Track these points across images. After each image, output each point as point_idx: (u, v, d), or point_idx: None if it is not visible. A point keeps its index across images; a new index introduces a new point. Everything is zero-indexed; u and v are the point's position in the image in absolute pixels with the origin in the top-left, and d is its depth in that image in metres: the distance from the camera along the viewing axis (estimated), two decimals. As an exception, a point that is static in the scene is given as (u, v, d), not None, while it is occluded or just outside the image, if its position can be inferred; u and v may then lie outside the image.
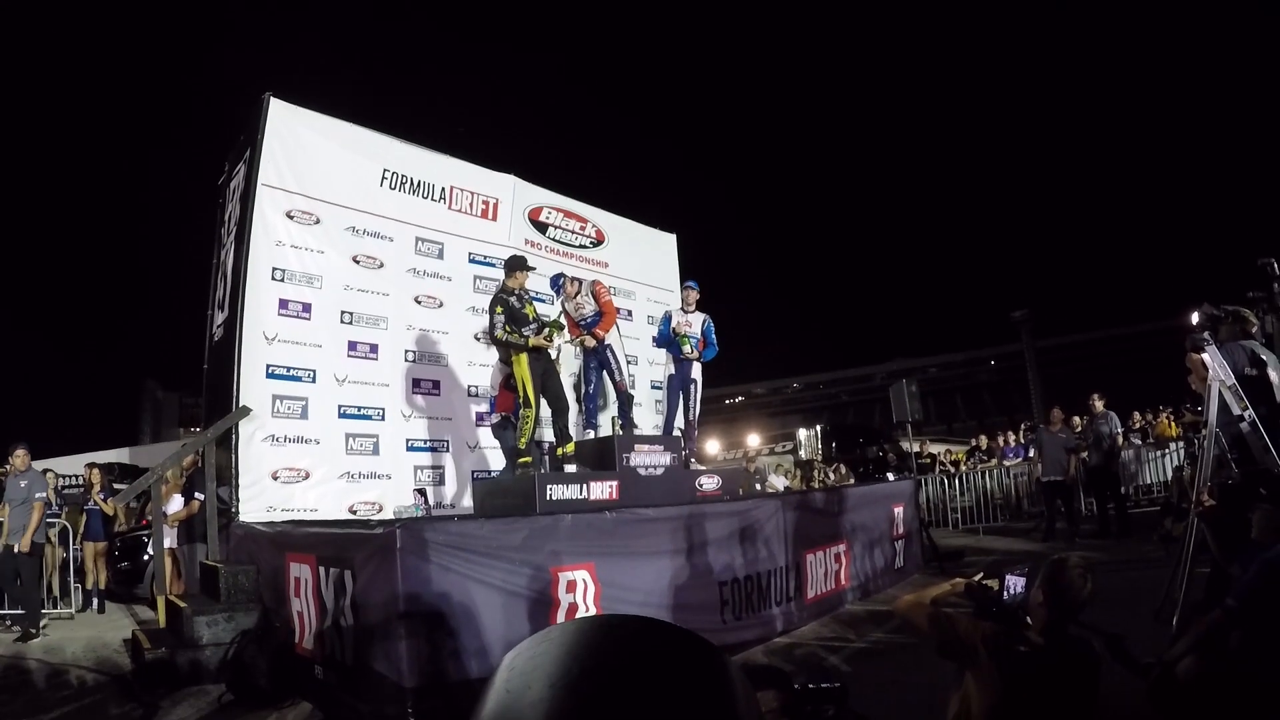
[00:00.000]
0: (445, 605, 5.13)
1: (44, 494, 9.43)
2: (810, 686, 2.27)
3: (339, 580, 5.78)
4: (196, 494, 9.03)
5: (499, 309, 7.81)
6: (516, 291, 8.09)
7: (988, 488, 15.90)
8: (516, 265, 8.20)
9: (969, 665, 3.57)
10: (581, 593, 5.89)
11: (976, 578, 3.87)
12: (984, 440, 20.41)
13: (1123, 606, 5.67)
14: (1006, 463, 17.05)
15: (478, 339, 10.44)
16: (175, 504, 9.37)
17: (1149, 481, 15.82)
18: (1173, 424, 16.77)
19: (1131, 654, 3.82)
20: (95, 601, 10.79)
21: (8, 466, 9.56)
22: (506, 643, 5.35)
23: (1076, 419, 14.17)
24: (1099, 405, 13.07)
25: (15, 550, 9.06)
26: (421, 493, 8.93)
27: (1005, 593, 3.69)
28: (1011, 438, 19.02)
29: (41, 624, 9.31)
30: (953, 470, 17.55)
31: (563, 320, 8.57)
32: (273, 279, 8.74)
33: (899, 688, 5.62)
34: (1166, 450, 15.58)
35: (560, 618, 5.70)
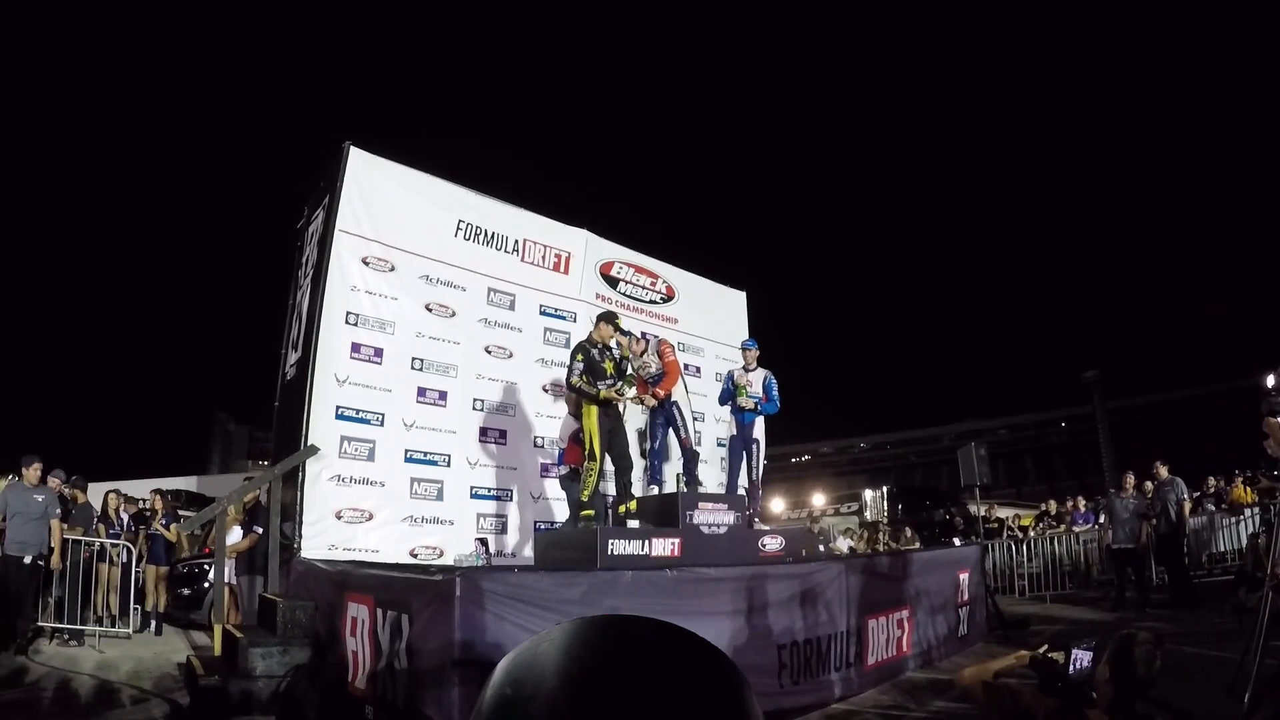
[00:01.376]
0: (500, 655, 5.09)
1: (59, 512, 9.57)
2: None
3: (395, 623, 5.81)
4: (256, 527, 9.20)
5: (579, 356, 7.92)
6: (599, 344, 8.17)
7: (1056, 554, 15.38)
8: (605, 318, 8.33)
9: None
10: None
11: (1041, 650, 3.76)
12: (1053, 505, 19.79)
13: (1194, 681, 5.45)
14: (1076, 529, 16.56)
15: (546, 390, 10.55)
16: (235, 535, 9.53)
17: (1223, 549, 15.23)
18: (1248, 490, 16.12)
19: None
20: (153, 624, 10.98)
21: (14, 478, 9.67)
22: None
23: (1149, 483, 13.70)
24: (1164, 472, 12.72)
25: (26, 561, 9.15)
26: (483, 542, 8.99)
27: (1071, 667, 3.59)
28: (1082, 503, 18.47)
29: (97, 640, 9.51)
30: (1020, 536, 17.09)
31: (634, 378, 8.60)
32: (346, 323, 8.93)
33: None
34: (1241, 517, 14.98)
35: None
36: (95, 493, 11.81)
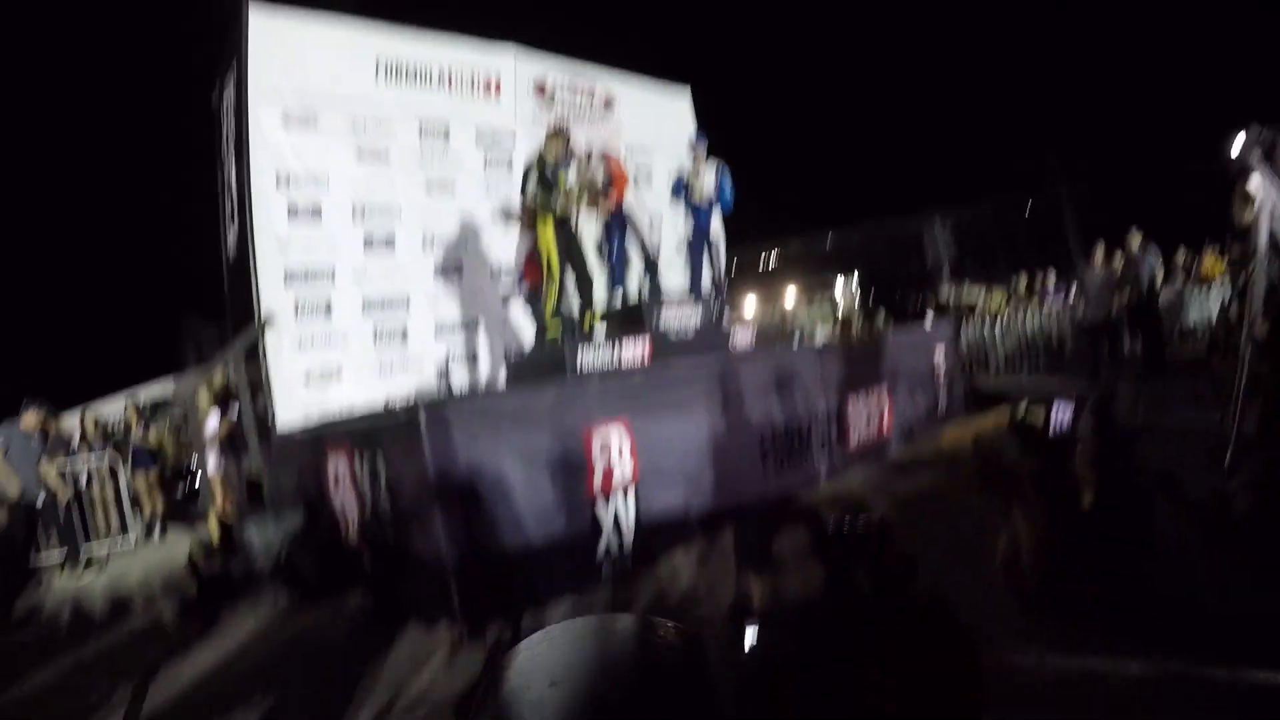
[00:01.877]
0: (478, 480, 5.06)
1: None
2: (848, 522, 2.18)
3: (373, 469, 5.76)
4: (231, 411, 9.08)
5: (531, 174, 7.77)
6: (550, 161, 7.97)
7: (1029, 331, 15.59)
8: (556, 135, 8.09)
9: (1017, 503, 3.43)
10: (616, 452, 5.80)
11: (1022, 405, 3.70)
12: (1023, 282, 19.84)
13: (1171, 446, 5.46)
14: (1047, 305, 16.64)
15: (495, 219, 10.24)
16: (213, 423, 9.43)
17: (1193, 324, 15.34)
18: (1219, 260, 16.08)
19: (1184, 490, 3.64)
20: (156, 530, 11.04)
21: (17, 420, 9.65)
22: (543, 511, 5.37)
23: (1119, 255, 13.61)
24: (1137, 240, 12.50)
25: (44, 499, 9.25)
26: (444, 375, 8.87)
27: (1052, 423, 3.53)
28: (1052, 278, 18.48)
29: (106, 558, 9.56)
30: (992, 315, 17.23)
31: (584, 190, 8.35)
32: (277, 187, 8.59)
33: (945, 530, 5.51)
34: (1210, 288, 15.08)
35: (597, 480, 5.66)
36: (71, 418, 11.74)
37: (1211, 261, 16.47)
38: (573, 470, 5.54)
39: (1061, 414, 3.52)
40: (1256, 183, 5.52)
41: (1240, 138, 5.69)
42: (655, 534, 5.99)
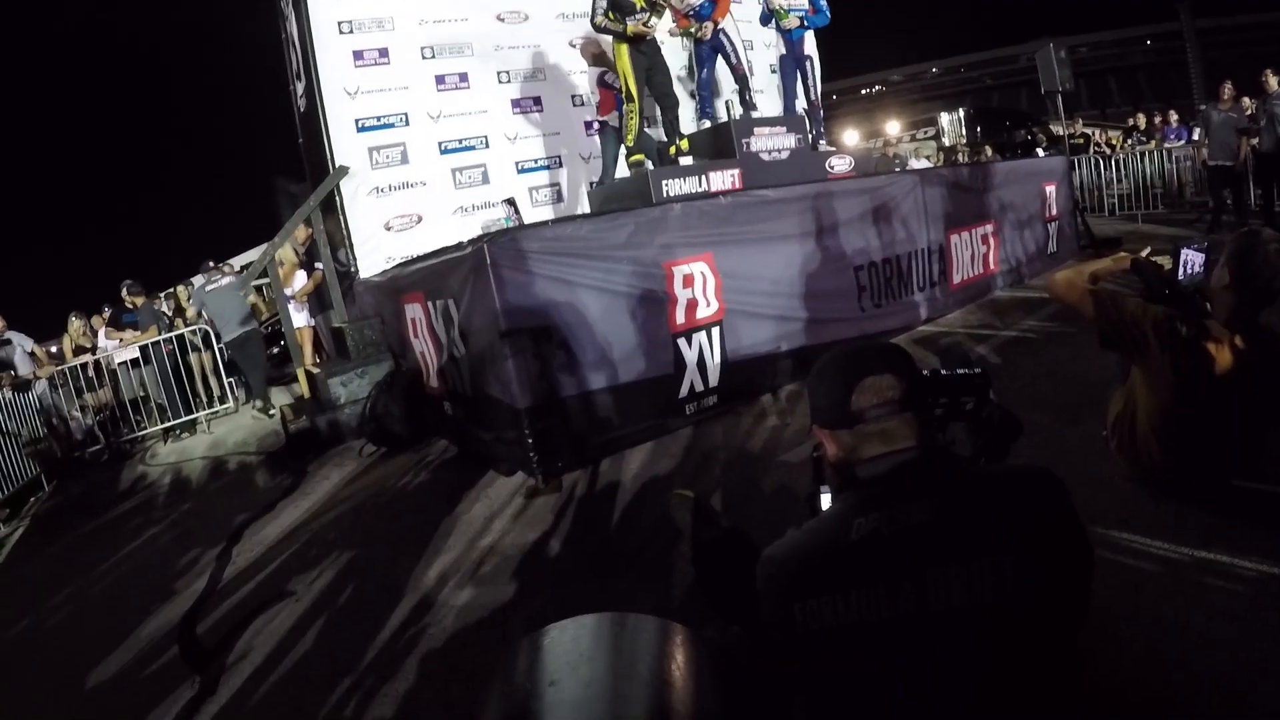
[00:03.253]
0: (550, 318, 4.78)
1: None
2: (945, 374, 1.86)
3: (446, 311, 5.57)
4: (317, 265, 9.01)
5: None
6: None
7: (1147, 173, 14.39)
8: None
9: (1136, 357, 2.96)
10: (701, 287, 5.42)
11: (1145, 252, 3.21)
12: (1142, 120, 18.33)
13: None
14: (1168, 145, 15.32)
15: (572, 45, 9.64)
16: (300, 279, 9.39)
17: None
18: None
19: None
20: (252, 390, 11.18)
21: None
22: (619, 350, 5.10)
23: (1247, 99, 12.03)
24: (1274, 82, 10.75)
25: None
26: (510, 202, 8.56)
27: (1181, 270, 3.05)
28: (1174, 117, 17.00)
29: (207, 425, 9.80)
30: (1109, 153, 16.04)
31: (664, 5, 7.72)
32: (340, 32, 8.24)
33: (1052, 380, 5.07)
34: None
35: (679, 316, 5.33)
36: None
37: None
38: (654, 305, 5.21)
39: (1192, 261, 3.03)
40: None
41: None
42: (741, 375, 5.67)
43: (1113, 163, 14.81)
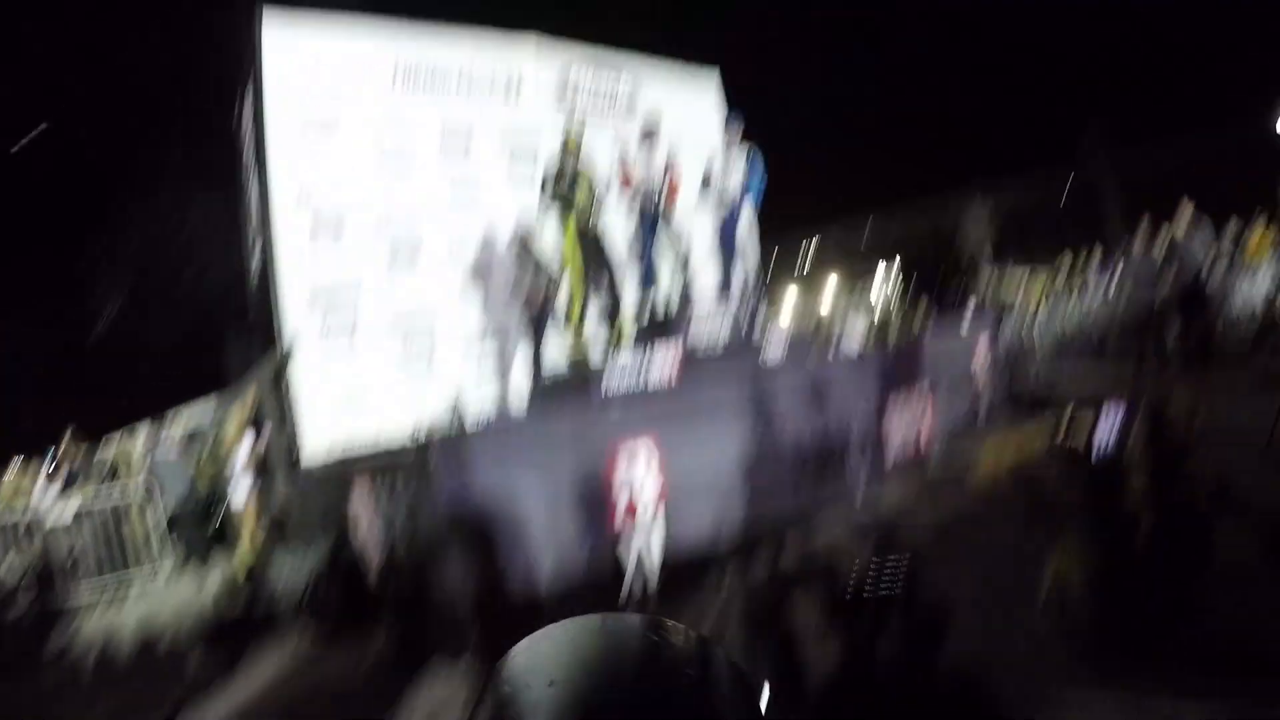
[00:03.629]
0: (495, 516, 4.90)
1: None
2: (875, 571, 1.97)
3: (391, 505, 5.61)
4: (261, 435, 8.95)
5: (548, 182, 7.76)
6: (572, 162, 7.88)
7: (1072, 324, 15.02)
8: (570, 142, 8.01)
9: (1061, 534, 3.12)
10: (641, 472, 5.55)
11: (1065, 415, 3.40)
12: (1065, 266, 19.26)
13: (1225, 445, 5.07)
14: (1089, 293, 16.01)
15: (521, 224, 9.91)
16: (243, 451, 9.31)
17: (1241, 304, 14.23)
18: (1267, 233, 14.87)
19: (1242, 502, 3.24)
20: (190, 558, 10.93)
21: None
22: (563, 543, 5.18)
23: (1165, 236, 12.77)
24: (1187, 214, 11.61)
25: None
26: (462, 396, 8.64)
27: (1096, 450, 3.22)
28: (1095, 261, 17.78)
29: (137, 586, 9.58)
30: (1036, 301, 16.69)
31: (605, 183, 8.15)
32: (299, 201, 8.47)
33: (984, 557, 5.16)
34: (1258, 273, 13.94)
35: (621, 504, 5.44)
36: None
37: (1259, 238, 15.42)
38: (595, 501, 5.33)
39: (1108, 427, 3.20)
40: None
41: None
42: (681, 568, 5.73)
43: (1039, 311, 15.35)
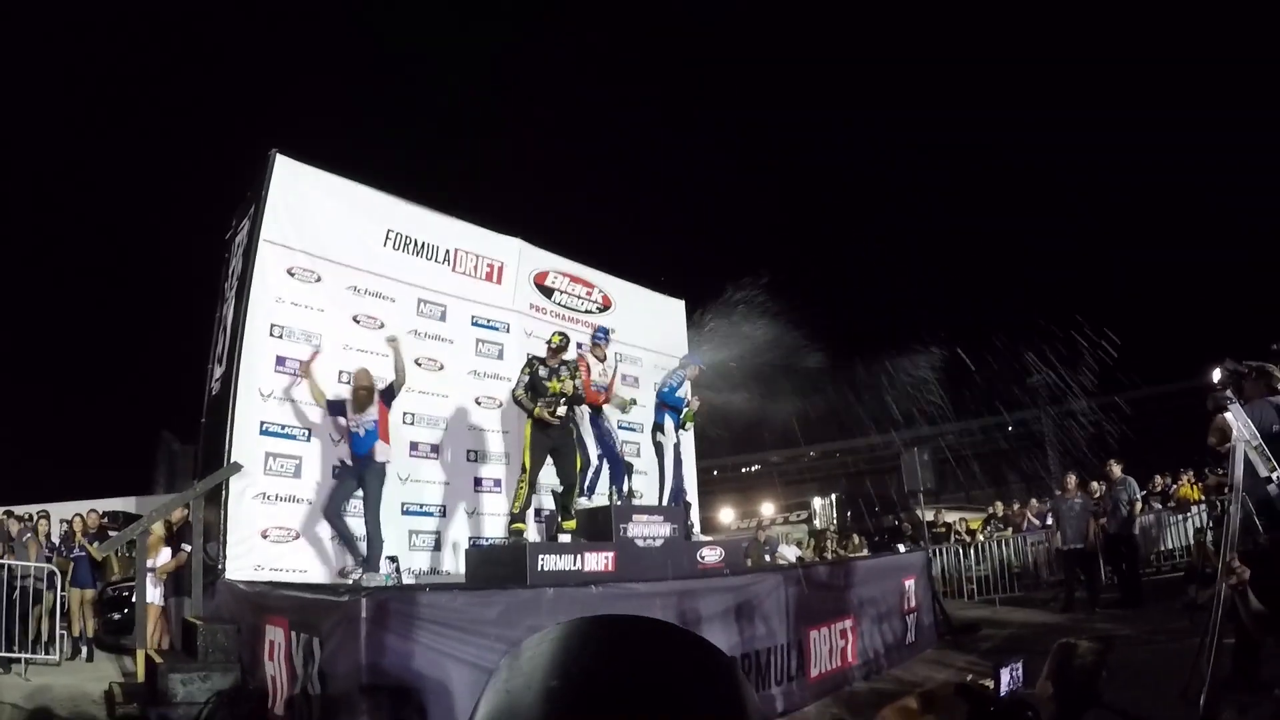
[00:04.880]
0: (413, 680, 4.87)
1: None
2: None
3: (308, 646, 5.57)
4: (185, 546, 8.88)
5: (527, 370, 8.06)
6: (550, 364, 8.19)
7: (1004, 557, 15.47)
8: (556, 343, 8.39)
9: None
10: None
11: (969, 678, 3.59)
12: (999, 508, 19.95)
13: (1146, 684, 5.33)
14: (1025, 531, 16.57)
15: (479, 403, 10.32)
16: (164, 556, 9.20)
17: (1170, 547, 15.25)
18: (1194, 487, 15.97)
19: None
20: (84, 649, 10.59)
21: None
22: None
23: (1095, 484, 13.84)
24: (1117, 471, 12.77)
25: None
26: (393, 560, 8.66)
27: (1002, 689, 3.42)
28: (1034, 505, 18.40)
29: (25, 669, 9.19)
30: (968, 540, 17.15)
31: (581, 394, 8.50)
32: (271, 335, 8.64)
33: None
34: (1188, 514, 14.96)
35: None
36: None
37: (1187, 488, 16.31)
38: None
39: (1013, 677, 3.39)
40: (1230, 419, 5.56)
41: (1216, 373, 5.76)
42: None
43: (972, 549, 15.77)
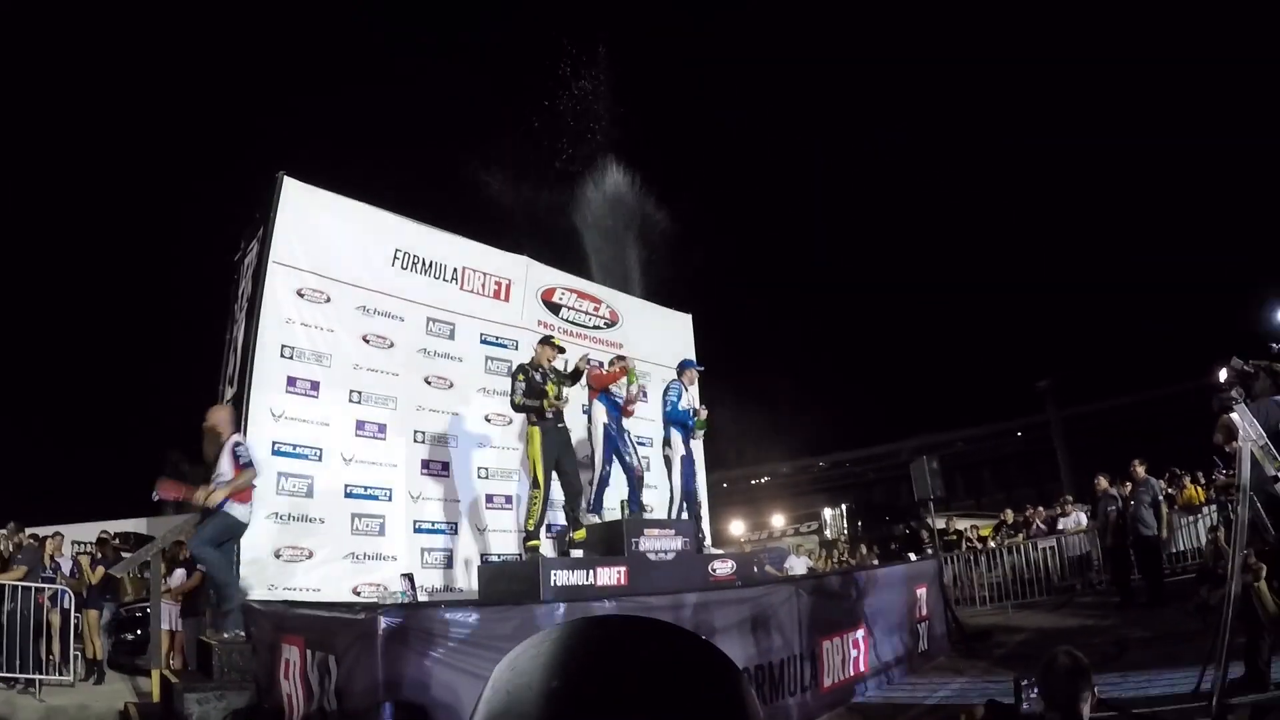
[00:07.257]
0: (428, 697, 4.89)
1: None
2: None
3: (324, 665, 5.58)
4: (198, 567, 8.92)
5: (520, 377, 8.02)
6: (542, 367, 8.21)
7: (1016, 563, 15.42)
8: (545, 341, 8.48)
9: None
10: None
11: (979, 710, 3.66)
12: (1010, 514, 19.86)
13: (1161, 683, 5.36)
14: (1034, 538, 16.53)
15: (489, 420, 10.39)
16: (178, 577, 9.25)
17: (1182, 548, 15.08)
18: (1199, 490, 15.86)
19: None
20: (97, 671, 10.63)
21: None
22: None
23: (1105, 486, 13.89)
24: (1140, 472, 12.87)
25: None
26: (408, 577, 8.71)
27: (1024, 703, 3.47)
28: (1042, 512, 18.33)
29: (39, 689, 9.26)
30: (980, 546, 17.14)
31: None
32: (281, 356, 8.70)
33: None
34: (1198, 515, 14.96)
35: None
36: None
37: (1191, 490, 16.20)
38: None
39: (1029, 693, 3.44)
40: (1237, 419, 5.57)
41: (1222, 373, 5.78)
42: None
43: (983, 556, 15.75)
